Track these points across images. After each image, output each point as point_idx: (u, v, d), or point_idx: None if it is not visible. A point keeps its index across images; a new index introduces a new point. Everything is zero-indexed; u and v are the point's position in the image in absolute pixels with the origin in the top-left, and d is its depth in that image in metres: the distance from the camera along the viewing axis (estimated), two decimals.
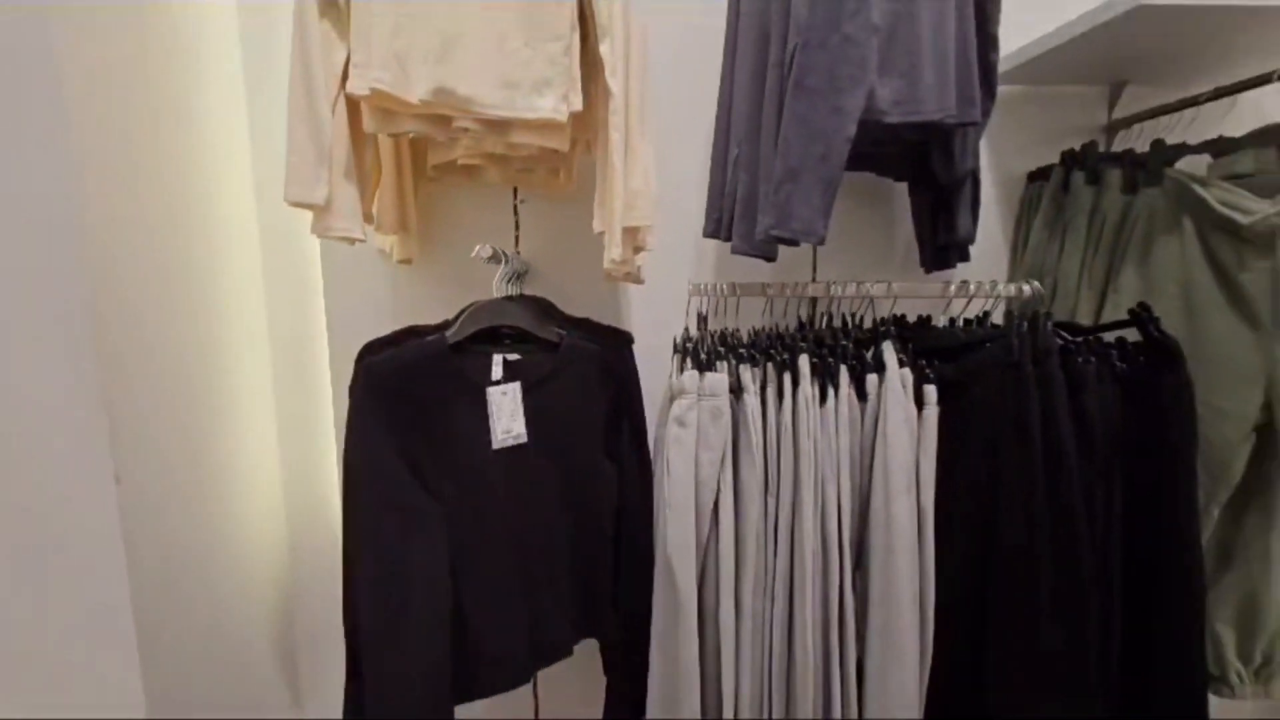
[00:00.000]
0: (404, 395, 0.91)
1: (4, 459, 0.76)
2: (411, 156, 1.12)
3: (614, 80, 0.82)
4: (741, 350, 0.92)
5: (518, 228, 1.25)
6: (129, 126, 0.95)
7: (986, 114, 0.99)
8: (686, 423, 0.87)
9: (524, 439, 0.95)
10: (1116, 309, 1.09)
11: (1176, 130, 1.15)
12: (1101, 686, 0.84)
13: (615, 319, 1.26)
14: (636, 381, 1.02)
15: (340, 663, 0.93)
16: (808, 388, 0.87)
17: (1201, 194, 1.00)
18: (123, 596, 0.88)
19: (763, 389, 0.90)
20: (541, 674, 1.18)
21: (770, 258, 0.97)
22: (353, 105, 0.88)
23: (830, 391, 0.89)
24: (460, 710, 0.92)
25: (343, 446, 0.91)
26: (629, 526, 1.00)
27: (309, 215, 0.88)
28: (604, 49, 0.83)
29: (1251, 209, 0.97)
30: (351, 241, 0.91)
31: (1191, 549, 0.87)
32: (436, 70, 0.82)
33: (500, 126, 0.88)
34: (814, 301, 1.25)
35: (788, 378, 0.89)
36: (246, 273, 1.24)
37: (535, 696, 1.39)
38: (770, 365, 0.92)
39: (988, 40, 0.96)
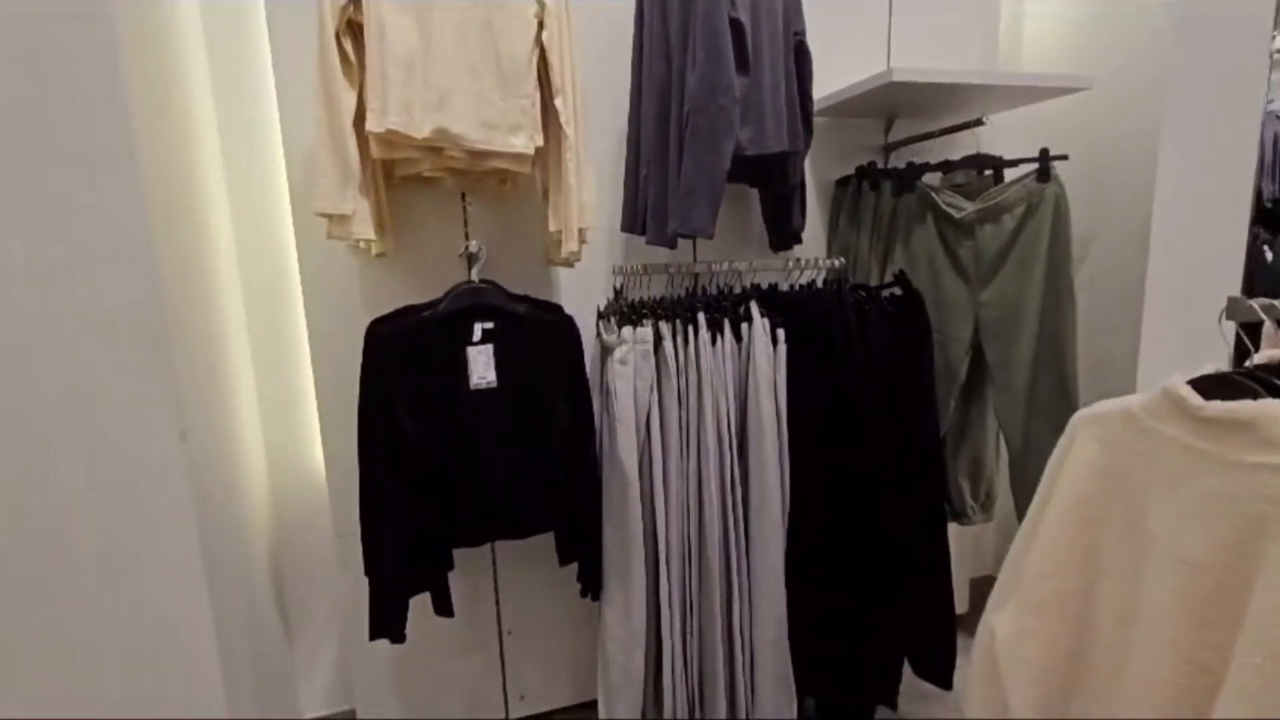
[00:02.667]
0: (407, 352, 1.22)
1: (93, 423, 0.99)
2: (384, 171, 1.39)
3: (568, 126, 1.18)
4: (660, 311, 1.33)
5: (466, 225, 1.56)
6: (165, 151, 1.15)
7: (808, 145, 1.47)
8: (626, 362, 1.26)
9: (494, 384, 1.29)
10: (891, 274, 1.63)
11: (930, 151, 1.71)
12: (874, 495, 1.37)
13: (546, 294, 1.62)
14: (581, 341, 1.38)
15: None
16: (704, 335, 1.30)
17: (935, 199, 1.55)
18: (191, 536, 1.11)
19: (674, 337, 1.32)
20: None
21: (673, 246, 1.38)
22: (361, 137, 1.16)
23: (718, 337, 1.33)
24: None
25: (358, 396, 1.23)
26: (579, 444, 1.36)
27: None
28: (558, 103, 1.19)
29: (963, 207, 1.54)
30: (367, 243, 1.19)
31: (934, 413, 1.42)
32: (436, 116, 1.13)
33: (480, 156, 1.20)
34: (696, 276, 1.69)
35: (690, 329, 1.31)
36: (227, 272, 1.44)
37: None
38: (678, 321, 1.33)
39: (805, 96, 1.43)
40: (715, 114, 1.17)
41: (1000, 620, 0.94)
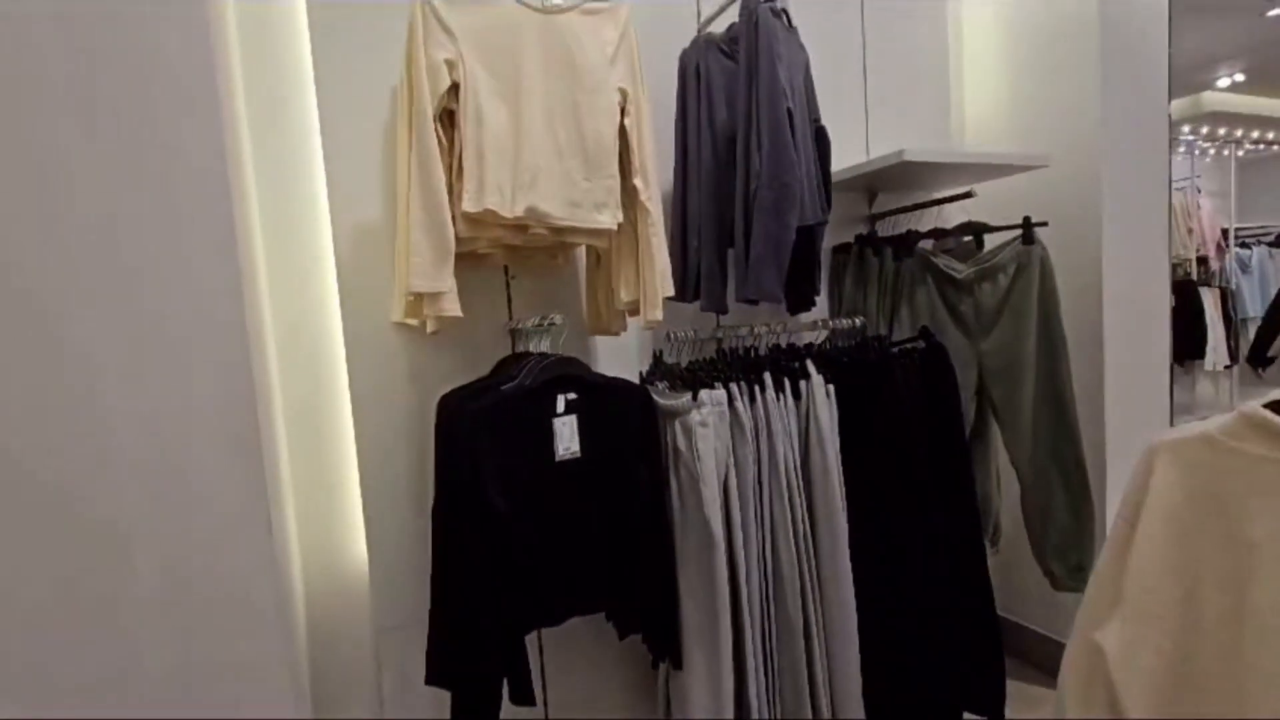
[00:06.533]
0: (495, 427, 1.21)
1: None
2: None
3: (651, 204, 1.25)
4: (728, 374, 1.39)
5: (510, 300, 1.57)
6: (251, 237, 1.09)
7: (828, 216, 1.62)
8: (708, 423, 1.30)
9: (579, 454, 1.29)
10: (900, 330, 1.79)
11: (910, 221, 1.92)
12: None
13: (588, 362, 1.64)
14: (654, 407, 1.40)
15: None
16: (771, 393, 1.37)
17: (936, 262, 1.74)
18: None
19: (741, 397, 1.38)
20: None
21: (724, 312, 1.46)
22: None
23: (780, 395, 1.40)
24: None
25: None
26: (657, 507, 1.37)
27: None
28: (638, 182, 1.26)
29: (960, 269, 1.74)
30: (422, 321, 1.23)
31: (966, 452, 1.55)
32: (528, 195, 1.17)
33: (561, 231, 1.24)
34: (719, 340, 1.76)
35: (758, 388, 1.38)
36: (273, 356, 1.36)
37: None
38: (743, 382, 1.40)
39: (826, 175, 1.59)
40: (780, 191, 1.29)
41: (1107, 635, 1.03)
